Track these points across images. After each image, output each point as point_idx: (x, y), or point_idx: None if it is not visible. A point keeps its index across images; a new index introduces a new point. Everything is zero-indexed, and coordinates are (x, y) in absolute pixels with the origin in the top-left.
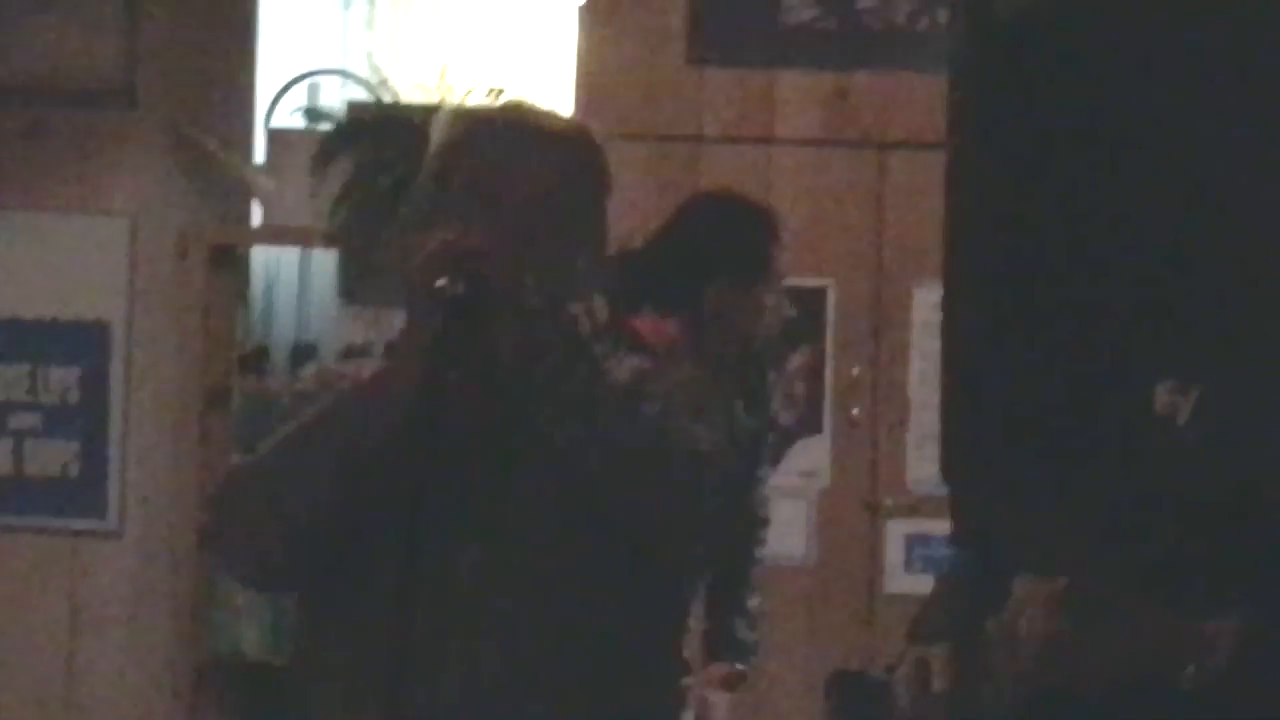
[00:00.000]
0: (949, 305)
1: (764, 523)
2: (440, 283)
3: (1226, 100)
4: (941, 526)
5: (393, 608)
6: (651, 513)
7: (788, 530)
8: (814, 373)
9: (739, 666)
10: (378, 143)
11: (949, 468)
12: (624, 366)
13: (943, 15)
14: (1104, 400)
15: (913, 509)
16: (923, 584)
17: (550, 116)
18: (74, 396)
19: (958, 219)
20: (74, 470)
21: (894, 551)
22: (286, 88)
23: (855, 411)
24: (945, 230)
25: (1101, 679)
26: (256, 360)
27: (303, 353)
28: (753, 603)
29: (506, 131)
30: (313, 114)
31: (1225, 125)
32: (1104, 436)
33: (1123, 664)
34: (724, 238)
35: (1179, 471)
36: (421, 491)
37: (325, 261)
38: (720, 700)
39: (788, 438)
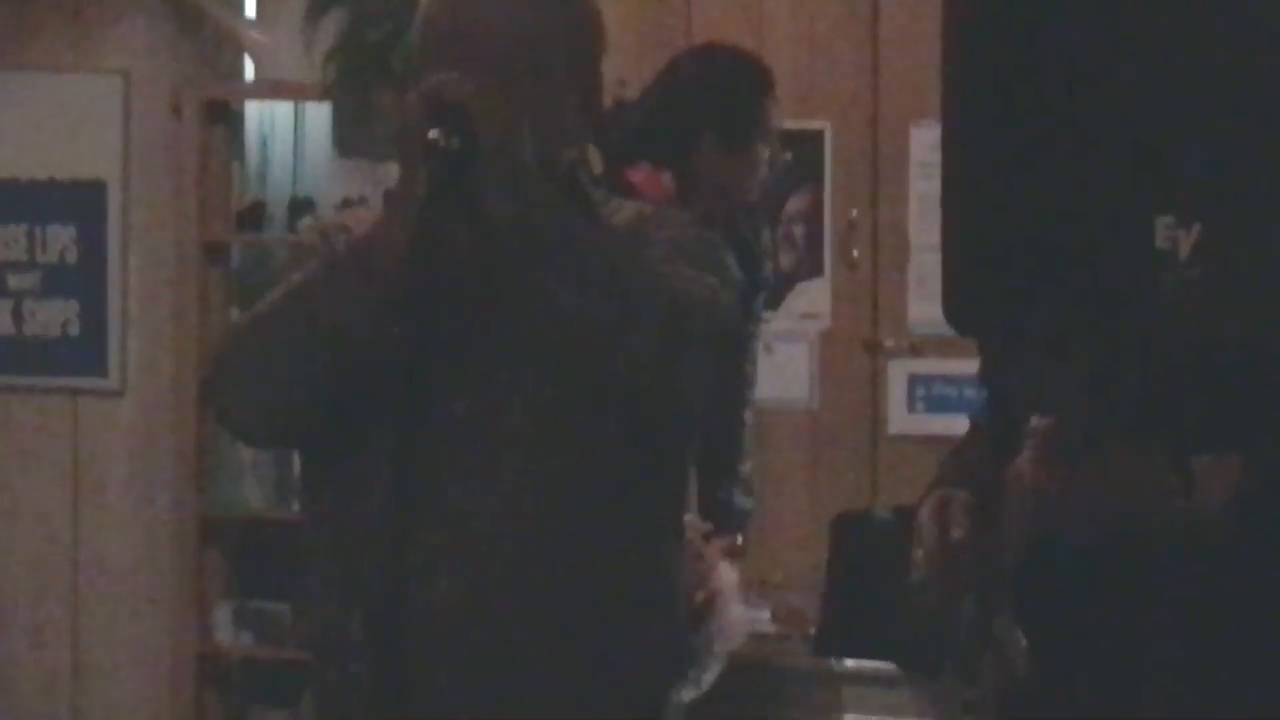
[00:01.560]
0: (947, 145)
1: (751, 384)
2: (433, 134)
3: None
4: (943, 366)
5: (390, 465)
6: (653, 359)
7: (789, 373)
8: (813, 216)
9: (738, 539)
10: None
11: (951, 310)
12: (624, 211)
13: None
14: (1104, 239)
15: (914, 349)
16: (925, 424)
17: None
18: (72, 256)
19: (954, 58)
20: (74, 329)
21: (896, 392)
22: None
23: (855, 253)
24: (942, 69)
25: (1091, 522)
26: (254, 215)
27: (300, 206)
28: (744, 468)
29: None
30: None
31: None
32: (1105, 275)
33: (1111, 504)
34: (716, 95)
35: (1180, 309)
36: (417, 348)
37: (320, 115)
38: (727, 572)
39: (787, 281)
